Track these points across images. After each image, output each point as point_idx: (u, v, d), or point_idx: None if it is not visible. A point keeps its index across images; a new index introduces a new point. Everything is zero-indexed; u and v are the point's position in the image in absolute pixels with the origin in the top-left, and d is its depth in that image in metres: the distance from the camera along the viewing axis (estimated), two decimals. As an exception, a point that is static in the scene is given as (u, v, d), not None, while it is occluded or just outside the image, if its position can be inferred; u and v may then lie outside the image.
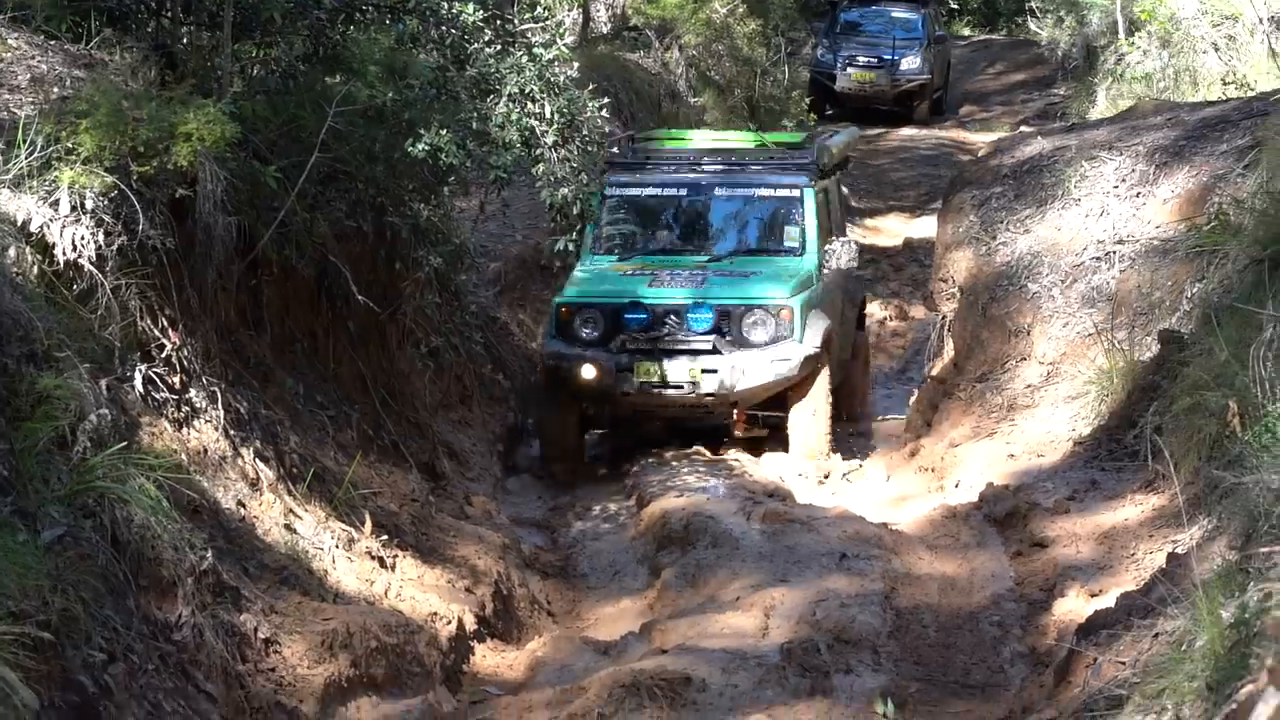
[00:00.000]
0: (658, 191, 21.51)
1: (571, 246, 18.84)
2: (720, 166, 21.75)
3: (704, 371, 19.25)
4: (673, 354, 19.37)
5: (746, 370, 19.25)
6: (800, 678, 13.84)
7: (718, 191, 21.35)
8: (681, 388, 19.39)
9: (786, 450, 20.73)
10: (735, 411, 20.20)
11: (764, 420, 20.62)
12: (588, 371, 19.26)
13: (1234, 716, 6.10)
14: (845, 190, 30.99)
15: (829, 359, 20.64)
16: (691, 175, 21.55)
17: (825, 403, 20.54)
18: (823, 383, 20.39)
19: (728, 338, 19.44)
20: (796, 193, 21.09)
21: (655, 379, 19.22)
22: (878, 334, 26.90)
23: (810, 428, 20.21)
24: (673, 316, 19.46)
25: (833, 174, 22.90)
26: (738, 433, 20.52)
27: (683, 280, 19.94)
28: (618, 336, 19.51)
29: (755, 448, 21.06)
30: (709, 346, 19.40)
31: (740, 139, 23.84)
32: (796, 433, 20.27)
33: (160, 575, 12.86)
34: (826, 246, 21.24)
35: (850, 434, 23.25)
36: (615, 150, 21.69)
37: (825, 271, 21.33)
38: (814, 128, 38.13)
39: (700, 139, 23.68)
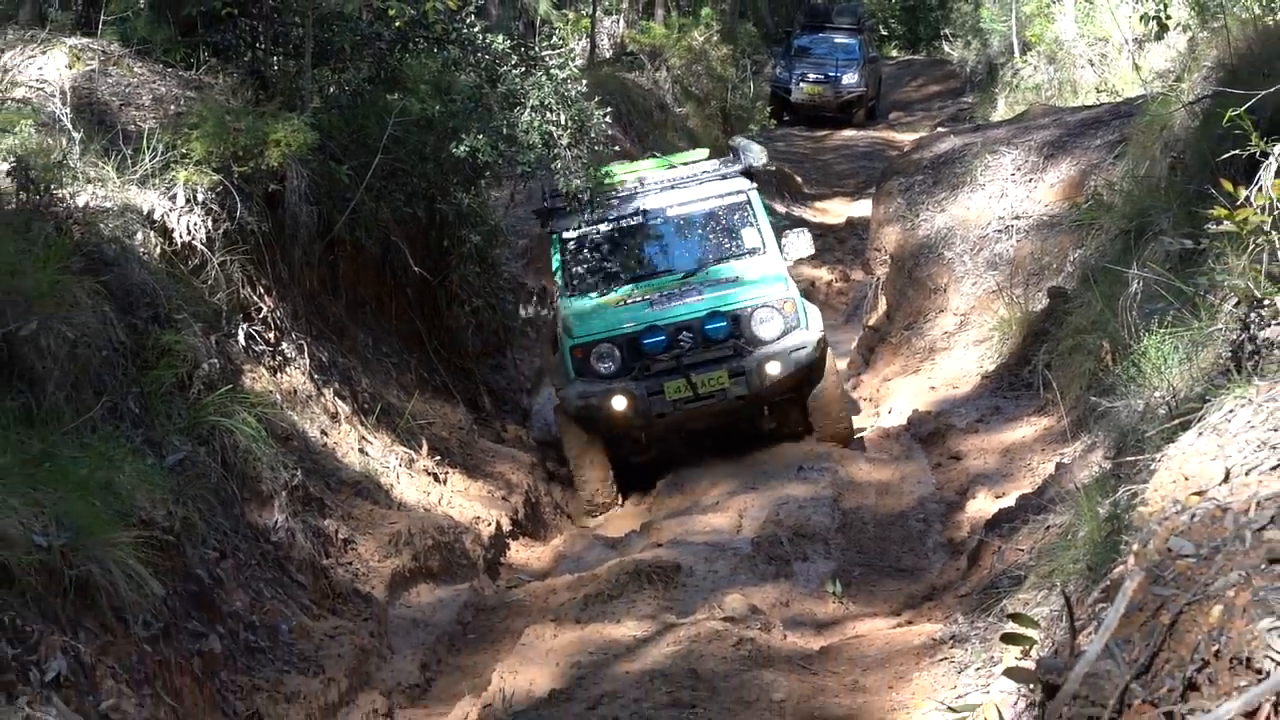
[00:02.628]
0: (613, 225, 18.25)
1: (533, 312, 18.29)
2: (662, 188, 18.52)
3: (731, 376, 16.52)
4: (698, 367, 16.53)
5: (769, 366, 16.55)
6: (767, 564, 13.85)
7: (670, 212, 18.29)
8: (713, 396, 16.63)
9: (810, 432, 17.70)
10: (765, 408, 17.41)
11: (781, 408, 17.66)
12: (620, 403, 16.51)
13: (1109, 591, 6.09)
14: (782, 206, 30.86)
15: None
16: (639, 203, 18.36)
17: (837, 379, 17.80)
18: (831, 360, 17.54)
19: (743, 340, 16.66)
20: (743, 196, 18.33)
21: (687, 394, 16.49)
22: (825, 294, 26.56)
23: (830, 406, 17.36)
24: (686, 332, 16.60)
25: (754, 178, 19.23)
26: (769, 427, 17.72)
27: (680, 298, 17.02)
28: (636, 365, 16.61)
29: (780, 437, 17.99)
30: (730, 352, 16.61)
31: (654, 164, 20.06)
32: (819, 413, 17.38)
33: (260, 490, 12.87)
34: (783, 240, 18.36)
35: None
36: (553, 200, 18.41)
37: (786, 262, 18.34)
38: (773, 129, 38.13)
39: (621, 174, 19.41)
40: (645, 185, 18.53)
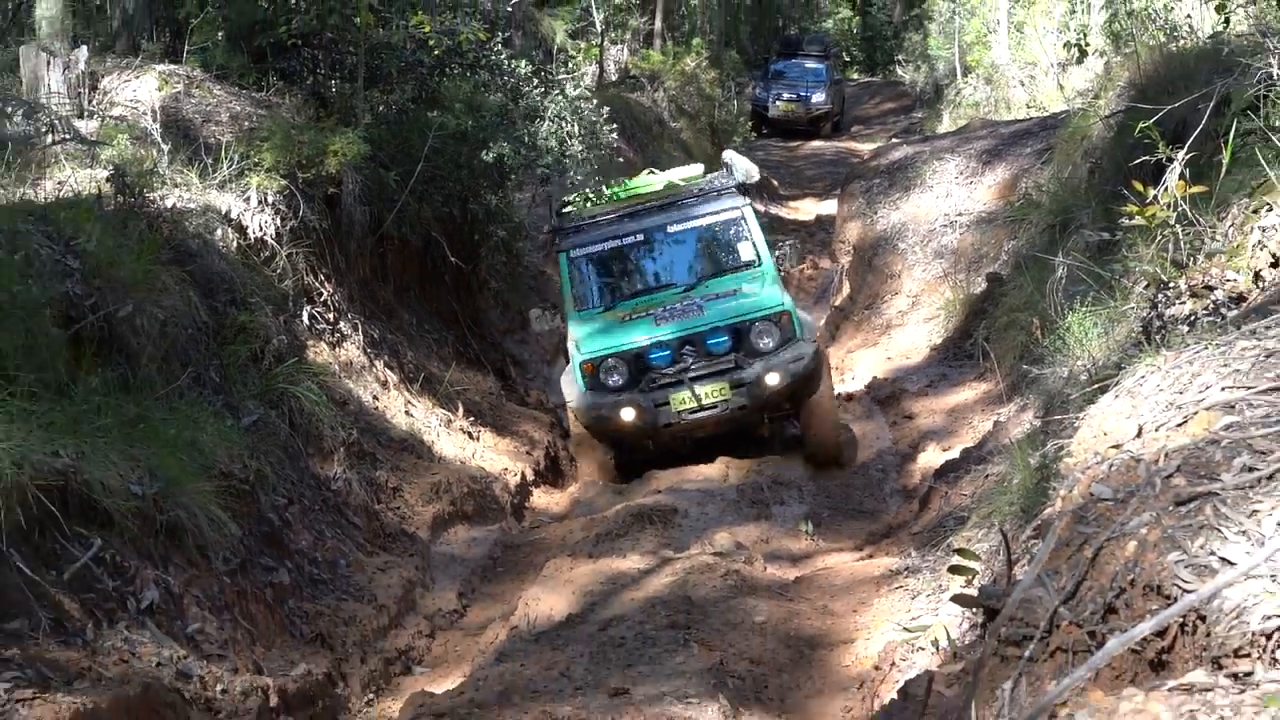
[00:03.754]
0: (616, 243, 16.54)
1: (546, 326, 16.97)
2: (663, 207, 16.73)
3: (733, 387, 15.08)
4: (701, 379, 15.12)
5: (769, 376, 14.98)
6: (750, 507, 13.84)
7: (670, 229, 16.53)
8: (716, 407, 15.16)
9: (799, 444, 16.05)
10: (765, 416, 15.86)
11: (782, 417, 16.09)
12: (628, 414, 15.11)
13: (1040, 529, 6.07)
14: (760, 205, 30.69)
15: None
16: (640, 221, 16.60)
17: (830, 390, 15.90)
18: (826, 371, 15.92)
19: (743, 352, 15.16)
20: (738, 212, 16.57)
21: (691, 405, 15.11)
22: (798, 279, 26.46)
23: (823, 422, 15.47)
24: (689, 346, 15.18)
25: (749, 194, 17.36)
26: (765, 433, 16.29)
27: (681, 314, 15.49)
28: (642, 378, 15.23)
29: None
30: (731, 364, 15.12)
31: (653, 181, 17.87)
32: (811, 428, 15.57)
33: (322, 446, 12.88)
34: (776, 253, 17.02)
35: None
36: (557, 219, 17.01)
37: (781, 275, 16.85)
38: (753, 140, 38.04)
39: (621, 192, 17.72)
40: (646, 204, 16.81)
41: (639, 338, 15.36)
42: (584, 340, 15.63)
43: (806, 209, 31.07)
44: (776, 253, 16.96)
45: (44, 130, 13.23)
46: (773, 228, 27.27)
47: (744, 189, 16.70)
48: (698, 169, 18.03)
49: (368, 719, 9.46)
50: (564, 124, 18.29)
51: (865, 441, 16.24)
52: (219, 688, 9.10)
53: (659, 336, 15.24)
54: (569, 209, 17.07)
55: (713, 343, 15.20)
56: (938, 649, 8.01)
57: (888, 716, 7.43)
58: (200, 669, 9.14)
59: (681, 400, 15.11)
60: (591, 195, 17.66)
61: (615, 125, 22.10)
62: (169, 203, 13.00)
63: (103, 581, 9.17)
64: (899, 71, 51.64)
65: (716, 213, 16.55)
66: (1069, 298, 11.66)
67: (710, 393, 15.11)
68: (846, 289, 23.81)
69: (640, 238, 16.49)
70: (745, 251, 16.45)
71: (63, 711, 7.71)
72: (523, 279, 20.49)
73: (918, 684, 7.47)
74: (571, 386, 15.65)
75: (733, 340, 15.20)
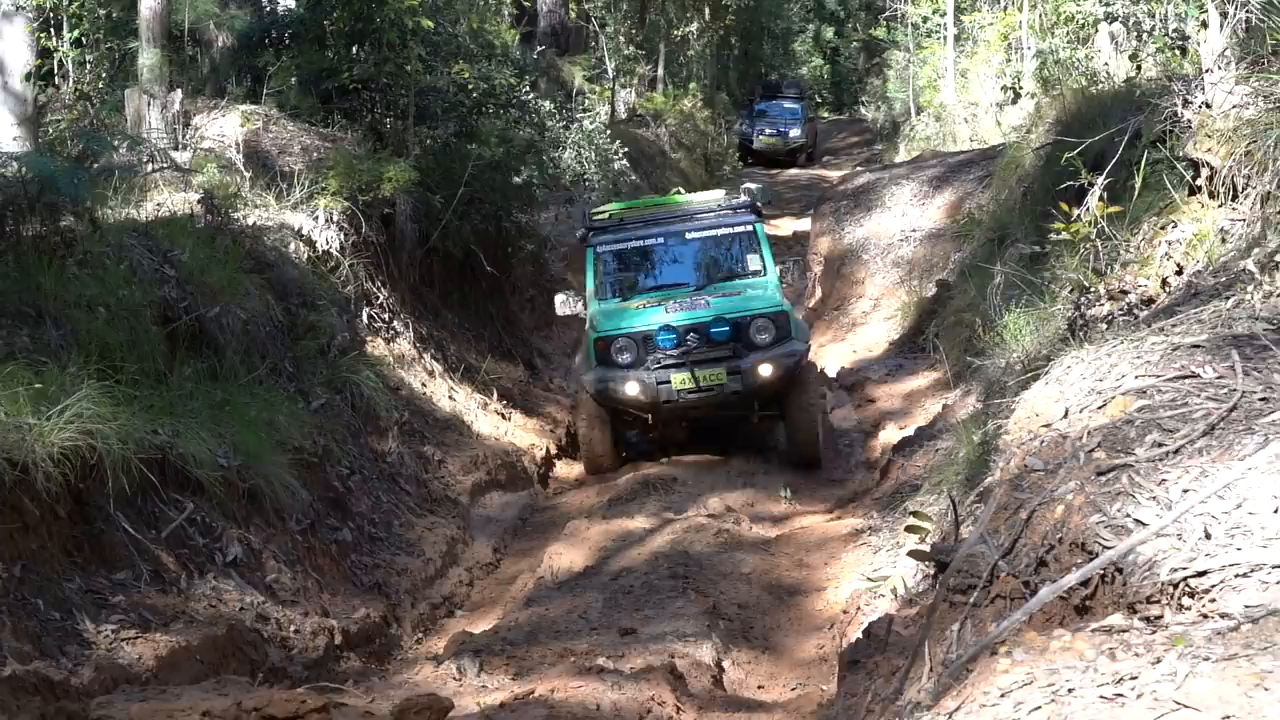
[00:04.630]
0: (641, 243, 15.73)
1: (568, 310, 15.57)
2: (685, 217, 15.92)
3: (729, 374, 14.22)
4: (701, 364, 14.27)
5: (762, 367, 14.13)
6: (737, 477, 13.83)
7: (689, 236, 15.70)
8: (712, 390, 14.30)
9: (783, 446, 15.06)
10: (756, 404, 14.71)
11: (769, 414, 14.90)
12: (633, 388, 14.28)
13: (982, 495, 6.06)
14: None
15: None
16: (665, 226, 15.81)
17: (816, 396, 14.98)
18: (813, 375, 15.05)
19: (742, 344, 14.29)
20: (750, 228, 15.66)
21: (690, 385, 14.26)
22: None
23: (805, 418, 14.42)
24: (693, 334, 14.32)
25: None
26: (755, 422, 15.13)
27: (689, 305, 14.66)
28: (648, 358, 14.36)
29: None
30: (729, 353, 14.25)
31: (673, 200, 17.33)
32: (794, 427, 14.52)
33: (379, 425, 12.87)
34: (780, 267, 16.03)
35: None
36: (589, 221, 15.97)
37: (784, 286, 15.78)
38: (740, 169, 37.97)
39: (646, 205, 17.30)
40: (669, 212, 16.06)
41: (650, 321, 14.47)
42: (600, 320, 14.82)
43: (785, 226, 30.99)
44: (780, 267, 15.93)
45: (145, 160, 13.23)
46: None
47: (757, 210, 15.91)
48: (718, 193, 17.21)
49: (416, 655, 9.45)
50: (582, 152, 18.26)
51: (834, 421, 16.21)
52: (292, 628, 9.11)
53: (668, 321, 14.36)
54: (601, 215, 16.23)
55: (715, 332, 14.30)
56: (896, 596, 8.01)
57: (854, 652, 7.41)
58: (276, 613, 9.15)
59: (682, 380, 14.27)
60: (623, 204, 17.04)
61: (625, 155, 22.08)
62: (250, 221, 13.01)
63: (194, 539, 9.18)
64: (862, 110, 51.64)
65: (730, 226, 15.67)
66: (1006, 300, 11.65)
67: (708, 376, 14.27)
68: (819, 293, 23.75)
69: (661, 240, 15.70)
70: (753, 262, 15.52)
71: (161, 648, 7.72)
72: (547, 286, 20.45)
73: (879, 625, 7.46)
74: (584, 363, 15.04)
75: (733, 332, 14.30)
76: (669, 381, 14.27)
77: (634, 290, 15.46)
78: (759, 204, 16.06)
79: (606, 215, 16.14)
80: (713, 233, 15.67)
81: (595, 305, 15.27)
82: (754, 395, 14.45)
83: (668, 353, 14.32)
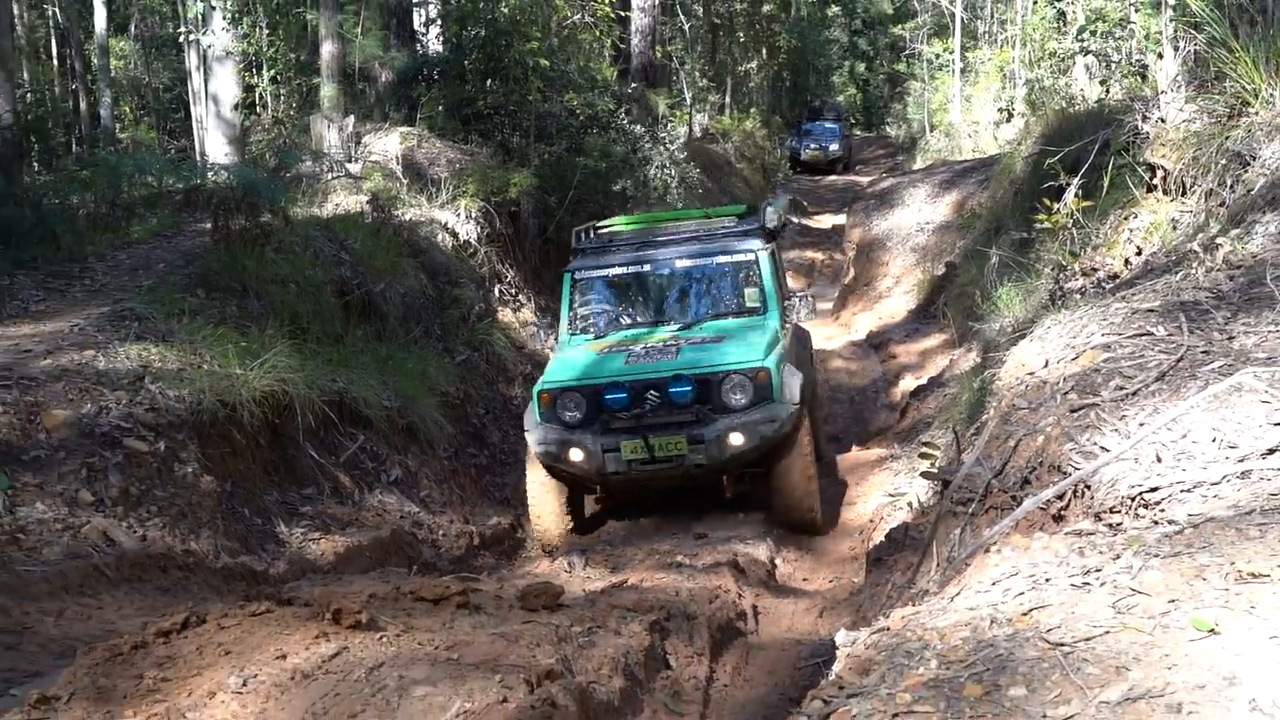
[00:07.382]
0: (624, 270, 10.26)
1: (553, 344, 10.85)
2: (679, 241, 10.38)
3: (690, 443, 8.97)
4: (657, 429, 9.03)
5: (733, 437, 8.97)
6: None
7: (679, 264, 10.19)
8: (670, 461, 9.05)
9: (770, 508, 9.43)
10: (725, 477, 9.28)
11: (750, 477, 9.47)
12: (575, 454, 9.09)
13: (979, 429, 5.99)
14: (795, 218, 30.16)
15: (807, 412, 9.60)
16: (653, 251, 10.30)
17: (809, 456, 9.27)
18: (805, 437, 9.28)
19: (709, 406, 9.01)
20: (752, 256, 10.08)
21: (643, 455, 9.01)
22: (820, 267, 25.94)
23: (794, 489, 9.19)
24: (653, 391, 9.02)
25: (776, 237, 10.85)
26: (728, 495, 9.44)
27: (657, 355, 9.27)
28: (598, 418, 9.11)
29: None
30: (692, 417, 9.00)
31: (687, 217, 11.30)
32: (780, 494, 9.24)
33: (508, 375, 12.90)
34: (787, 302, 10.38)
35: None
36: (579, 239, 10.84)
37: (787, 326, 10.20)
38: (791, 175, 37.62)
39: (652, 221, 11.41)
40: (665, 234, 10.64)
41: (600, 375, 9.25)
42: (550, 368, 9.74)
43: (826, 220, 30.70)
44: (786, 303, 10.45)
45: (326, 170, 13.35)
46: (803, 233, 26.99)
47: (769, 233, 10.62)
48: (737, 210, 11.29)
49: (537, 554, 9.50)
50: (665, 169, 18.14)
51: (865, 372, 16.04)
52: (440, 532, 9.19)
53: (619, 377, 9.12)
54: (603, 230, 11.23)
55: (675, 391, 9.03)
56: (911, 509, 7.98)
57: (878, 551, 7.39)
58: (428, 520, 9.24)
59: (633, 448, 9.06)
60: (628, 219, 11.80)
61: (698, 168, 21.92)
62: (407, 217, 13.09)
63: (364, 463, 9.28)
64: (887, 129, 50.98)
65: (731, 254, 10.25)
66: (1000, 277, 11.50)
67: (665, 445, 9.05)
68: (852, 273, 23.54)
69: (646, 267, 10.33)
70: (751, 297, 10.13)
71: (339, 546, 7.84)
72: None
73: (898, 531, 7.44)
74: (529, 416, 9.59)
75: (699, 391, 9.05)
76: (617, 449, 9.11)
77: (610, 327, 10.28)
78: (773, 225, 10.77)
79: (606, 233, 11.12)
80: (707, 261, 10.31)
81: (561, 345, 10.25)
82: (721, 470, 9.24)
83: (618, 414, 9.11)
